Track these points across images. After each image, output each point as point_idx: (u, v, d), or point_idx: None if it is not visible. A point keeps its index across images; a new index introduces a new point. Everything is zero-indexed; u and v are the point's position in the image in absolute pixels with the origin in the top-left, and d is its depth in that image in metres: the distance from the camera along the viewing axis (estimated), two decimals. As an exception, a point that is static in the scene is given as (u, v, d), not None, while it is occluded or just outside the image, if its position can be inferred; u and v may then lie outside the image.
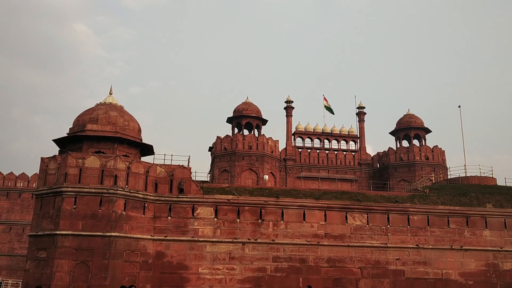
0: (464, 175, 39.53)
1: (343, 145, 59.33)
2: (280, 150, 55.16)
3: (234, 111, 55.24)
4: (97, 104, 31.93)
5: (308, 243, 29.73)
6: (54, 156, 28.41)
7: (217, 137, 53.41)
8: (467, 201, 33.27)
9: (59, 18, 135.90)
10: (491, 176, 39.48)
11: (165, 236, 28.41)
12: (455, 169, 74.15)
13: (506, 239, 31.80)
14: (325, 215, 30.53)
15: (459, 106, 48.15)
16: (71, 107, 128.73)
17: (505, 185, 37.52)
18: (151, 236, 28.18)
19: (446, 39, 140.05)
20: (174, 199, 29.22)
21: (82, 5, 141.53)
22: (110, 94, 32.86)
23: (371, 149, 73.75)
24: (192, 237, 28.69)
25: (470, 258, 31.04)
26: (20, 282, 37.77)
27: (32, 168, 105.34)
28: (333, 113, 59.91)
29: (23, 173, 56.29)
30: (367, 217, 30.91)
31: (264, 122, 55.23)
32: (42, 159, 28.72)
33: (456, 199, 33.36)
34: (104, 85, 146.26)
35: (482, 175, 39.41)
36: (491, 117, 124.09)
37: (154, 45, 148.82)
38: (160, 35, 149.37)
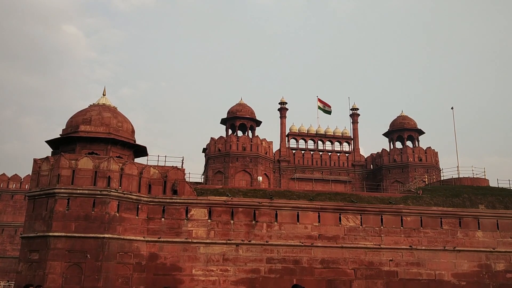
0: (457, 177, 39.70)
1: (336, 146, 59.33)
2: (274, 152, 55.11)
3: (228, 112, 55.21)
4: (91, 105, 31.74)
5: (302, 244, 29.76)
6: (47, 157, 28.25)
7: (211, 138, 53.35)
8: (460, 202, 33.42)
9: (49, 19, 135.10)
10: (483, 177, 39.66)
11: (159, 238, 28.33)
12: (448, 171, 74.83)
13: (498, 240, 31.99)
14: (318, 216, 30.57)
15: (452, 108, 48.49)
16: (62, 109, 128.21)
17: (497, 186, 37.73)
18: (145, 237, 28.11)
19: (440, 41, 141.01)
20: (167, 200, 29.15)
21: (71, 7, 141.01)
22: (103, 95, 32.68)
23: (365, 151, 73.65)
24: (186, 239, 28.64)
25: (463, 259, 31.19)
26: (12, 284, 37.50)
27: (25, 170, 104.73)
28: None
29: (16, 174, 55.98)
30: (361, 218, 31.00)
31: (258, 123, 55.25)
32: (34, 160, 28.54)
33: (449, 200, 33.50)
34: (95, 87, 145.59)
35: (474, 177, 39.57)
36: (483, 119, 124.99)
37: (144, 46, 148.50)
38: (150, 37, 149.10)
